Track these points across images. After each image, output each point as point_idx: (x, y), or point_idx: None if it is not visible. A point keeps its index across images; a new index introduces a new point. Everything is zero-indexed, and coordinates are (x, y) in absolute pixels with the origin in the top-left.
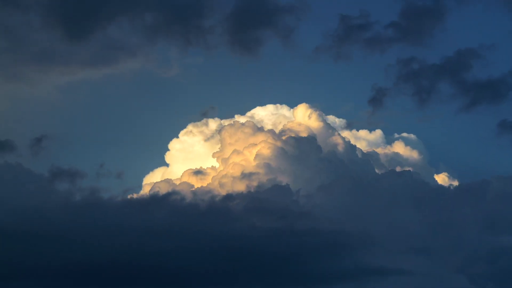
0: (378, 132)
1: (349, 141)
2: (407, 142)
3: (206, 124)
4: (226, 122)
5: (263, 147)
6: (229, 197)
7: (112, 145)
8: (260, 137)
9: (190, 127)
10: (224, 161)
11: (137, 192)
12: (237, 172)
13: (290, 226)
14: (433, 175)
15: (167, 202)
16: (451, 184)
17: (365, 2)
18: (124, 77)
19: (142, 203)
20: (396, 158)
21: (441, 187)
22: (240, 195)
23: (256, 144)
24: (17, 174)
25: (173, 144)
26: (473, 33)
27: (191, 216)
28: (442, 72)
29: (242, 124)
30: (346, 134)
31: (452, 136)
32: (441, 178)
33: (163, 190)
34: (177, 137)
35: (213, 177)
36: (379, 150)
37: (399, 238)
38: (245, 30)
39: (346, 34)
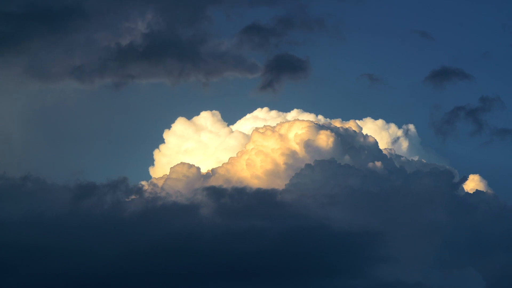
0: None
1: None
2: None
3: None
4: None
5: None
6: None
7: (132, 157)
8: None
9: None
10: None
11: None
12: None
13: (303, 236)
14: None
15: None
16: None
17: (391, 61)
18: (146, 90)
19: (161, 213)
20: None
21: (472, 200)
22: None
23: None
24: (39, 187)
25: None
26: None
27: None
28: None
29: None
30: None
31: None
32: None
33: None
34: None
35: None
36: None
37: (417, 250)
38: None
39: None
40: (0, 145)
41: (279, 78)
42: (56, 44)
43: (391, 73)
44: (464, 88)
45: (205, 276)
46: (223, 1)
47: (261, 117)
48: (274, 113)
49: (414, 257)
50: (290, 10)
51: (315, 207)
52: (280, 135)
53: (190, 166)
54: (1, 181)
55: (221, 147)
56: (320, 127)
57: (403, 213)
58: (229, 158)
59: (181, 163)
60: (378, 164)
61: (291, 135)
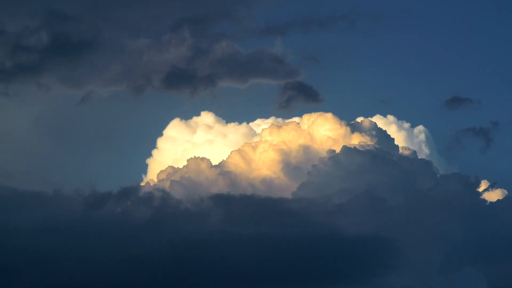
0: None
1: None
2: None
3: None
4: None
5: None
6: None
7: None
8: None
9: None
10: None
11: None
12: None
13: (312, 241)
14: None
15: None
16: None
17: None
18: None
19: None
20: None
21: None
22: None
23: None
24: (50, 197)
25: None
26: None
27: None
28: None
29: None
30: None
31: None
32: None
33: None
34: None
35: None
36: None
37: (429, 255)
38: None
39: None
40: (14, 154)
41: (290, 104)
42: (71, 75)
43: (403, 103)
44: (475, 113)
45: (213, 281)
46: (237, 35)
47: (257, 123)
48: (271, 119)
49: (423, 263)
50: (302, 41)
51: (324, 211)
52: (296, 130)
53: (204, 160)
54: (15, 191)
55: (221, 147)
56: (352, 126)
57: (417, 219)
58: (244, 144)
59: (194, 157)
60: (408, 169)
61: (314, 132)
